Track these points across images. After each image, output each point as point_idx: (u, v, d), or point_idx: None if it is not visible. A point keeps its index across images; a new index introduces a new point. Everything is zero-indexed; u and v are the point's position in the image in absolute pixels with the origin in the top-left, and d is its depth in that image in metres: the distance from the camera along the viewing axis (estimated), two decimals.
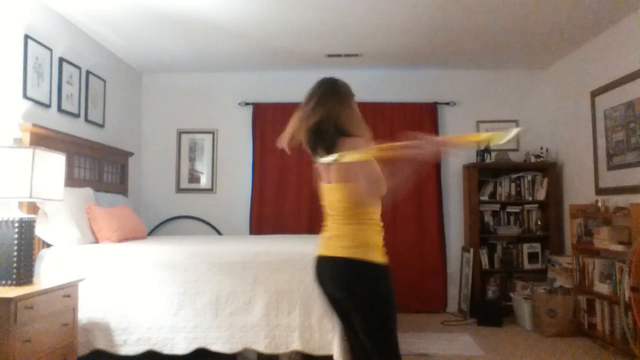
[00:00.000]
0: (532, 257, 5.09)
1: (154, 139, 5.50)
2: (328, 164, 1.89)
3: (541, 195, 5.08)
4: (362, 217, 1.88)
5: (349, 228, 1.88)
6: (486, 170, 5.21)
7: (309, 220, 5.02)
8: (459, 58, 5.08)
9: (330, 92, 1.97)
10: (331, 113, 1.91)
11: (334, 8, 3.81)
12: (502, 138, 1.80)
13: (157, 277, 3.09)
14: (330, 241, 1.92)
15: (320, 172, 2.01)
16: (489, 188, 5.17)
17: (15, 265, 2.61)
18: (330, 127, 1.89)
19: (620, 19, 4.01)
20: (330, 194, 1.95)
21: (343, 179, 1.87)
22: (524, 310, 4.53)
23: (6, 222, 2.65)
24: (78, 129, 4.11)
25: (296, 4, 3.74)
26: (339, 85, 2.02)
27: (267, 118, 5.36)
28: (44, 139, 3.39)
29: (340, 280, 1.85)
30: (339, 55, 4.94)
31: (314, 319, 2.97)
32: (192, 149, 5.48)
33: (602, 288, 3.90)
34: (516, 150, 5.36)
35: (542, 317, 4.27)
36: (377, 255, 1.86)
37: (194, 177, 5.47)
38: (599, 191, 4.32)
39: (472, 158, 5.27)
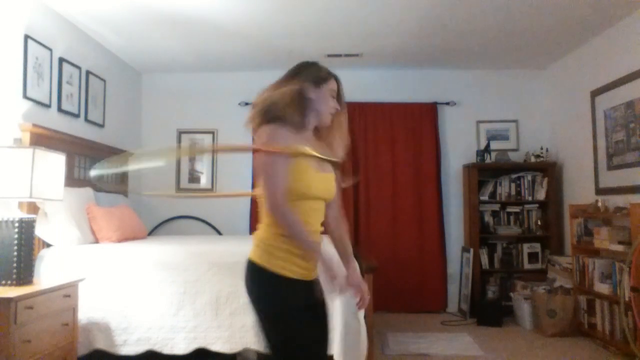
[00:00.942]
0: (532, 257, 5.09)
1: (154, 139, 5.50)
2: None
3: (541, 195, 5.08)
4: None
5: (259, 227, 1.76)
6: (486, 170, 5.21)
7: None
8: (459, 58, 5.08)
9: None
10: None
11: (334, 8, 3.82)
12: None
13: (157, 277, 3.09)
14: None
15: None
16: (489, 188, 5.17)
17: (15, 265, 2.61)
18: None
19: (620, 19, 4.01)
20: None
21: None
22: (524, 310, 4.53)
23: (6, 222, 2.65)
24: (78, 129, 4.11)
25: (296, 4, 3.74)
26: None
27: None
28: (44, 139, 3.39)
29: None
30: (339, 55, 4.93)
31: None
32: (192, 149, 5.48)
33: (602, 288, 3.90)
34: (516, 150, 5.36)
35: (542, 317, 4.27)
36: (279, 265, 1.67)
37: (194, 177, 5.47)
38: (599, 191, 4.32)
39: (472, 158, 5.27)
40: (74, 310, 2.87)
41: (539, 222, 5.11)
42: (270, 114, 1.71)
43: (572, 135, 4.89)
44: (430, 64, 5.26)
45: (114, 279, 3.10)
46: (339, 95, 1.83)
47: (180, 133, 5.49)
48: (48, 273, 3.10)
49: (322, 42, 4.58)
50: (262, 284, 1.70)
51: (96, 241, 3.66)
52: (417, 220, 5.23)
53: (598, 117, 4.38)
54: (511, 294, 4.86)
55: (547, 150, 5.19)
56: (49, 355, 2.60)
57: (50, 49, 3.69)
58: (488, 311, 4.66)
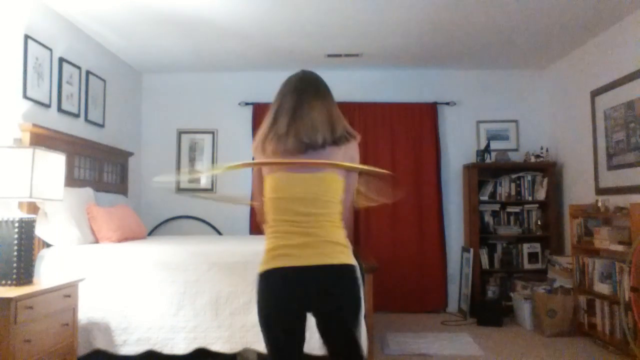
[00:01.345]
0: (532, 257, 5.09)
1: (154, 139, 5.50)
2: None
3: (541, 195, 5.08)
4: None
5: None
6: (486, 170, 5.21)
7: None
8: (459, 58, 5.08)
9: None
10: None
11: (334, 8, 3.82)
12: None
13: (157, 277, 3.09)
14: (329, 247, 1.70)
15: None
16: (489, 188, 5.17)
17: (15, 265, 2.61)
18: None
19: (620, 19, 4.01)
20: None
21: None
22: (524, 310, 4.53)
23: (6, 222, 2.65)
24: (78, 129, 4.11)
25: (296, 4, 3.74)
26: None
27: None
28: (44, 139, 3.39)
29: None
30: (339, 55, 4.94)
31: (313, 319, 2.96)
32: (192, 149, 5.48)
33: (602, 288, 3.90)
34: (516, 150, 5.36)
35: (542, 317, 4.27)
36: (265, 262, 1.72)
37: (194, 177, 5.47)
38: (599, 191, 4.32)
39: (472, 158, 5.27)
40: (74, 310, 2.87)
41: (539, 222, 5.11)
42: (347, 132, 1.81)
43: (572, 135, 4.89)
44: (430, 64, 5.26)
45: (114, 279, 3.10)
46: None
47: (180, 133, 5.49)
48: (48, 273, 3.10)
49: (322, 42, 4.58)
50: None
51: (96, 241, 3.66)
52: (417, 220, 5.22)
53: (598, 117, 4.38)
54: (511, 294, 4.86)
55: (547, 150, 5.19)
56: (49, 355, 2.61)
57: (50, 49, 3.69)
58: (488, 311, 4.66)
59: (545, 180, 5.07)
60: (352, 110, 5.24)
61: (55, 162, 2.91)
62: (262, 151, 1.76)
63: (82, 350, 2.99)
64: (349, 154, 1.77)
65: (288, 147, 1.69)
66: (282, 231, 1.70)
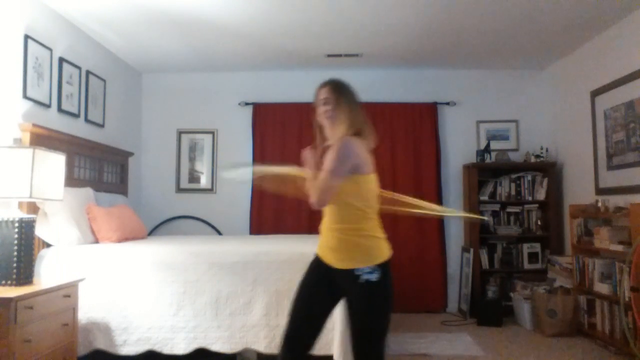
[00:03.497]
0: (532, 257, 5.09)
1: (154, 139, 5.50)
2: None
3: (541, 195, 5.08)
4: None
5: None
6: (486, 170, 5.21)
7: (309, 220, 5.02)
8: (459, 58, 5.08)
9: None
10: None
11: (334, 8, 3.82)
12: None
13: (157, 277, 3.09)
14: None
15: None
16: (489, 188, 5.17)
17: (15, 265, 2.61)
18: None
19: (620, 19, 4.01)
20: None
21: None
22: (524, 310, 4.53)
23: (6, 222, 2.65)
24: (78, 129, 4.11)
25: (296, 4, 3.74)
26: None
27: (267, 118, 5.36)
28: (44, 139, 3.39)
29: None
30: (339, 55, 4.94)
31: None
32: (192, 149, 5.49)
33: (602, 288, 3.90)
34: (516, 150, 5.36)
35: (542, 317, 4.27)
36: None
37: (194, 177, 5.47)
38: (599, 191, 4.32)
39: (472, 158, 5.27)
40: (74, 310, 2.87)
41: (539, 222, 5.11)
42: None
43: (572, 135, 4.89)
44: (430, 64, 5.26)
45: (114, 279, 3.10)
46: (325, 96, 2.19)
47: (180, 133, 5.49)
48: (48, 273, 3.10)
49: (322, 42, 4.58)
50: None
51: (96, 241, 3.66)
52: (417, 220, 5.22)
53: (598, 117, 4.38)
54: (511, 294, 4.86)
55: (547, 150, 5.19)
56: (49, 355, 2.61)
57: (50, 49, 3.69)
58: (488, 311, 4.66)
59: (545, 180, 5.07)
60: None
61: (55, 162, 2.91)
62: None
63: (82, 350, 3.00)
64: None
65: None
66: (379, 223, 2.03)
